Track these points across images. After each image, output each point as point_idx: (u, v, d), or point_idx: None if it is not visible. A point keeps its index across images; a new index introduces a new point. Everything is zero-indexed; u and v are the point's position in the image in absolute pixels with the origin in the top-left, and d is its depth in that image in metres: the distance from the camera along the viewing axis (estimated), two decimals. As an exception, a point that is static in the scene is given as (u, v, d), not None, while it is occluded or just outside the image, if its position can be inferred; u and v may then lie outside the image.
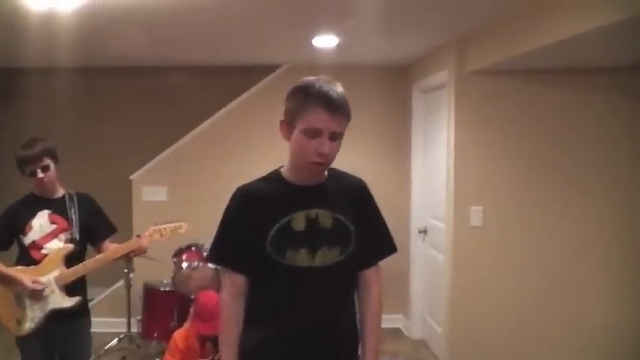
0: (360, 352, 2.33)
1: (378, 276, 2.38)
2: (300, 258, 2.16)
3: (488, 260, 4.91)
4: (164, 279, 5.35)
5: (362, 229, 2.26)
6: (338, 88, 2.11)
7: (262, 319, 2.21)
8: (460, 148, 4.87)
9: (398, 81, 6.32)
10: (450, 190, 4.98)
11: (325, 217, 2.19)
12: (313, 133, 2.06)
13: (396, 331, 6.37)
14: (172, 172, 6.22)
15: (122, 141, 7.00)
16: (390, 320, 6.46)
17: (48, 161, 3.46)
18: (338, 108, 2.08)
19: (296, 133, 2.10)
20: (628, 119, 4.77)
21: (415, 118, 6.07)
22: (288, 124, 2.14)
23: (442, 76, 5.15)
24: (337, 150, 2.14)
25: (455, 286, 4.96)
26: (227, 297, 2.27)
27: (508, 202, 4.88)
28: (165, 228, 3.81)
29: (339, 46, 5.04)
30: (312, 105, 2.06)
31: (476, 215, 4.88)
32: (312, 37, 4.82)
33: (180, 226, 3.87)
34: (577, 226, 4.84)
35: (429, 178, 5.88)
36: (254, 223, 2.17)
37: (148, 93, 6.94)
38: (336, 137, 2.10)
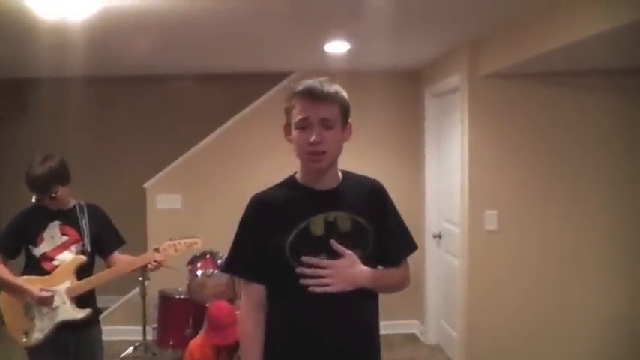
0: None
1: (407, 274, 2.37)
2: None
3: (503, 264, 4.87)
4: (179, 287, 5.35)
5: (381, 230, 2.23)
6: (325, 81, 2.15)
7: (283, 331, 2.16)
8: (474, 152, 4.84)
9: (410, 85, 6.30)
10: (464, 194, 4.96)
11: (344, 220, 2.16)
12: (302, 124, 2.10)
13: (412, 337, 6.34)
14: (186, 180, 6.23)
15: (135, 149, 7.04)
16: (405, 326, 6.44)
17: (56, 188, 3.41)
18: (320, 95, 2.10)
19: (292, 130, 2.15)
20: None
21: (428, 122, 6.06)
22: (287, 126, 2.19)
23: (455, 79, 5.14)
24: (334, 138, 2.13)
25: (470, 290, 4.93)
26: (246, 309, 2.22)
27: (523, 206, 4.84)
28: (180, 243, 3.77)
29: (350, 51, 5.03)
30: (298, 98, 2.12)
31: (491, 219, 4.85)
32: (324, 44, 4.82)
33: (196, 242, 3.84)
34: (593, 230, 4.80)
35: (443, 183, 5.86)
36: (272, 230, 2.14)
37: (159, 101, 6.99)
38: (328, 125, 2.11)
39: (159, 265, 3.66)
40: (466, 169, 4.90)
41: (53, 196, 3.42)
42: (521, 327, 4.87)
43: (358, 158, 6.26)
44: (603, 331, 4.78)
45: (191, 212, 6.03)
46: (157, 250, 3.67)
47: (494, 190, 4.84)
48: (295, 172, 2.27)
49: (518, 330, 4.87)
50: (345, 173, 2.29)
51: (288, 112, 2.17)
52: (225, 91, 6.65)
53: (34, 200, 3.56)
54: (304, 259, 2.10)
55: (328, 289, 2.09)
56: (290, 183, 2.26)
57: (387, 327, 6.31)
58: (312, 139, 2.08)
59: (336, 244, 2.11)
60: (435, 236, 5.98)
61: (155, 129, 7.05)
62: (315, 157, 2.11)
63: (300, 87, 2.13)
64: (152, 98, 7.00)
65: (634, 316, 4.77)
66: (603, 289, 4.81)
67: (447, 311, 5.87)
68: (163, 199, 6.22)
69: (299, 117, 2.10)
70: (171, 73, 6.44)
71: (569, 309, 4.83)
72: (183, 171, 6.28)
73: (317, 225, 2.14)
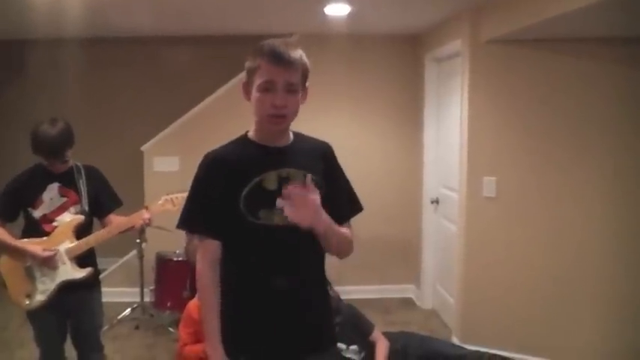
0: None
1: (351, 234, 2.41)
2: (275, 217, 2.19)
3: (500, 231, 4.88)
4: (176, 249, 5.37)
5: (332, 188, 2.31)
6: (290, 45, 2.20)
7: (241, 285, 2.23)
8: (474, 118, 4.82)
9: (410, 50, 6.26)
10: (463, 160, 4.95)
11: (296, 176, 2.23)
12: (267, 86, 2.15)
13: (408, 301, 6.39)
14: (183, 142, 6.20)
15: (132, 112, 6.99)
16: (401, 290, 6.49)
17: (68, 153, 3.46)
18: (286, 60, 2.14)
19: (254, 90, 2.19)
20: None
21: (428, 87, 6.02)
22: (247, 85, 2.23)
23: (456, 45, 5.09)
24: (297, 104, 2.20)
25: (467, 256, 4.95)
26: (203, 265, 2.25)
27: (521, 173, 4.83)
28: (177, 197, 3.81)
29: (351, 14, 4.97)
30: (264, 61, 2.15)
31: (489, 186, 4.85)
32: (324, 6, 4.76)
33: None
34: (591, 197, 4.79)
35: (442, 148, 5.85)
36: (226, 186, 2.19)
37: (157, 63, 6.91)
38: (292, 89, 2.17)
39: (149, 223, 3.72)
40: (465, 135, 4.88)
41: (65, 159, 3.45)
42: (517, 293, 4.89)
43: (358, 122, 6.29)
44: (602, 298, 4.80)
45: (189, 174, 5.93)
46: (146, 208, 3.76)
47: (494, 156, 4.83)
48: (247, 131, 2.34)
49: (513, 296, 4.90)
50: (297, 134, 2.36)
51: (251, 71, 2.20)
52: (223, 54, 6.57)
53: (42, 163, 3.55)
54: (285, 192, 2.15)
55: (292, 216, 2.14)
56: (243, 140, 2.32)
57: (382, 291, 6.44)
58: (278, 102, 2.14)
59: (306, 181, 2.17)
60: (432, 202, 5.98)
61: (153, 91, 7.00)
62: (275, 119, 2.19)
63: (266, 48, 2.16)
64: (150, 60, 6.93)
65: (635, 282, 4.79)
66: (603, 256, 4.80)
67: (442, 276, 5.90)
68: (161, 162, 6.21)
69: (263, 79, 2.15)
70: (169, 35, 6.37)
71: (565, 276, 4.84)
72: (181, 133, 6.26)
73: (270, 180, 2.20)
